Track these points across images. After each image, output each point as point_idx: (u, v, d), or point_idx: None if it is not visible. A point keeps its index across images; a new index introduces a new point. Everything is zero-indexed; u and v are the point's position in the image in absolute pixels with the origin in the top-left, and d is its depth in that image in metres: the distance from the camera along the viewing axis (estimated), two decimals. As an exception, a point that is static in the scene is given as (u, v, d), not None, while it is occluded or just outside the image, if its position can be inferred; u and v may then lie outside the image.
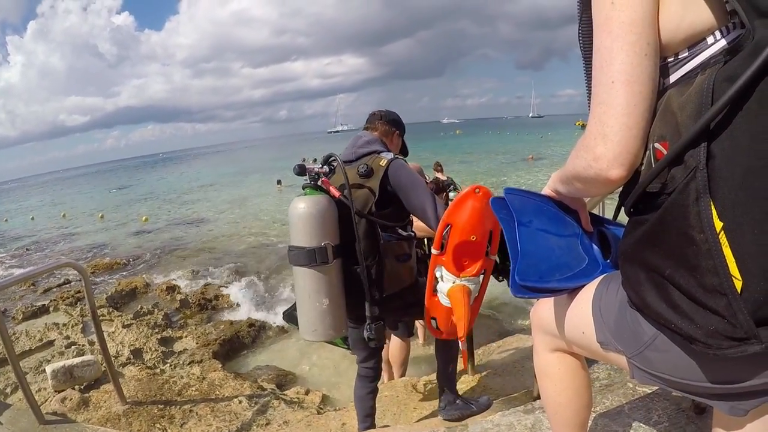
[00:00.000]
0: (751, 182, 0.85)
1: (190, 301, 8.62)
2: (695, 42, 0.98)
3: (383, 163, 2.57)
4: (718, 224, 0.87)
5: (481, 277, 2.51)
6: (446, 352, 3.12)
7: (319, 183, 2.50)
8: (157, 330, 6.88)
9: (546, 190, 1.41)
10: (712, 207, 0.88)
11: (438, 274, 2.46)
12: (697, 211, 0.89)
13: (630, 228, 1.10)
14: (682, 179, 0.92)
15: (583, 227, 1.45)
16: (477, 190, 2.27)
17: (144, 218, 23.27)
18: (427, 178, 11.81)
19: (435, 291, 2.50)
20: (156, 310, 7.84)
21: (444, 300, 2.47)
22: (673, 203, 0.94)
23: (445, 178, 13.12)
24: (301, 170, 2.45)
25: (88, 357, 4.91)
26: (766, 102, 0.84)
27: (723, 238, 0.87)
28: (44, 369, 4.98)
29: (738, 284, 0.86)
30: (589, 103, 1.09)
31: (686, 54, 1.00)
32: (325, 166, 2.56)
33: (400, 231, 2.75)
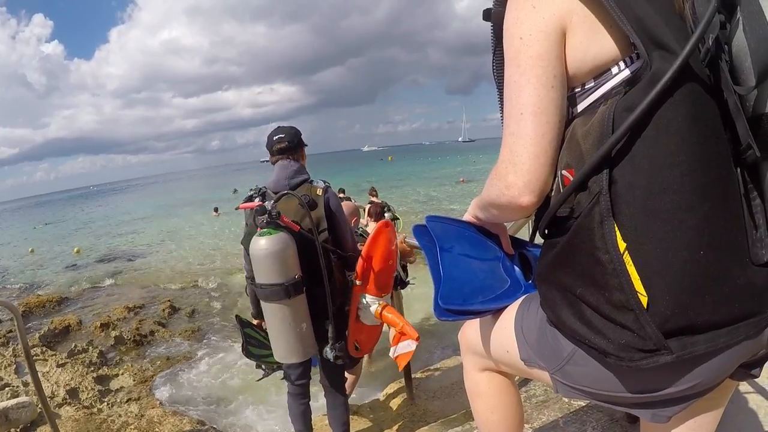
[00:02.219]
0: (651, 204, 0.92)
1: (125, 337, 8.55)
2: (600, 72, 1.04)
3: (320, 192, 2.86)
4: (622, 245, 0.94)
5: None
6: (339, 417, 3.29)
7: (278, 221, 2.66)
8: (92, 368, 6.87)
9: (467, 216, 1.46)
10: (616, 229, 0.94)
11: (363, 301, 2.84)
12: (602, 234, 0.95)
13: (544, 250, 1.16)
14: (587, 204, 0.98)
15: (505, 250, 1.50)
16: (387, 225, 2.80)
17: (76, 250, 22.63)
18: (362, 207, 12.04)
19: (359, 316, 2.85)
20: (91, 347, 7.76)
21: (371, 321, 2.85)
22: (579, 226, 1.00)
23: (379, 202, 13.33)
24: (261, 210, 2.62)
25: (22, 398, 4.92)
26: (662, 129, 0.91)
27: (627, 258, 0.93)
28: (-23, 413, 4.96)
29: (644, 300, 0.93)
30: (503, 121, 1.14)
31: (592, 84, 1.06)
32: (273, 203, 2.69)
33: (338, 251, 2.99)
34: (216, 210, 28.16)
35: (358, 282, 2.87)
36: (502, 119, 1.15)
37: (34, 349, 7.50)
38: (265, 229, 2.59)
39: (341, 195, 14.78)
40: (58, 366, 6.78)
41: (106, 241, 25.97)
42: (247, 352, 3.22)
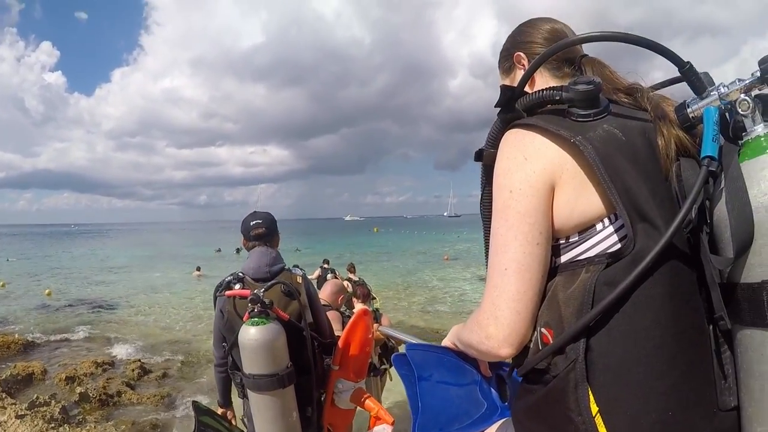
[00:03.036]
0: (624, 373, 0.98)
1: (91, 395, 8.12)
2: (585, 228, 1.10)
3: (300, 280, 2.95)
4: (594, 408, 0.99)
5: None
6: None
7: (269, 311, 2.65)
8: (53, 424, 6.46)
9: (446, 342, 1.48)
10: (590, 393, 0.99)
11: (339, 386, 2.91)
12: (576, 398, 1.00)
13: (521, 393, 1.20)
14: (563, 367, 1.03)
15: (482, 373, 1.53)
16: (365, 313, 2.92)
17: (47, 291, 22.09)
18: (343, 281, 12.08)
19: (333, 401, 2.91)
20: (53, 401, 7.34)
21: (346, 405, 2.92)
22: (555, 387, 1.05)
23: (356, 279, 13.47)
24: (256, 299, 2.60)
25: (-23, 450, 4.62)
26: (640, 306, 0.98)
27: (599, 420, 0.98)
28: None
29: None
30: (486, 259, 1.21)
31: (577, 238, 1.11)
32: (263, 291, 2.72)
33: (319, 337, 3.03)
34: (198, 269, 27.57)
35: (335, 367, 2.93)
36: (485, 247, 1.24)
37: (-6, 393, 7.13)
38: (255, 318, 2.59)
39: (325, 266, 14.94)
40: (17, 417, 6.39)
41: (81, 287, 25.42)
42: None
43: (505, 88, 1.22)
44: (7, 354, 11.19)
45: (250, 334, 2.55)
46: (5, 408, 6.74)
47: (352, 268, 13.93)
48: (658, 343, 0.97)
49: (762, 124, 0.94)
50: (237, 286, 2.86)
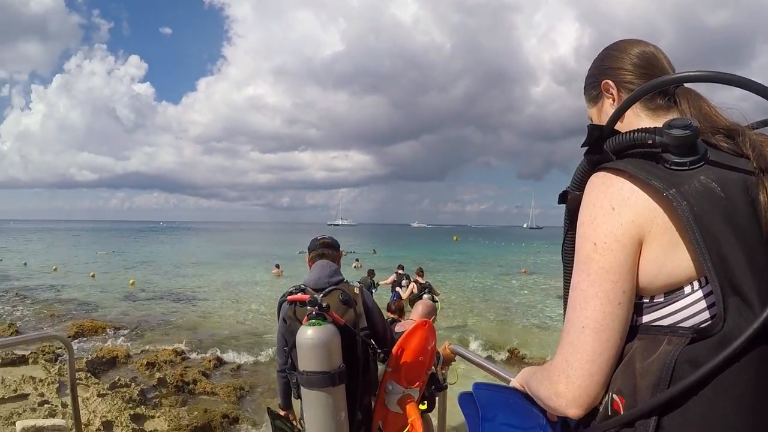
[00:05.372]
0: None
1: (168, 381, 8.41)
2: (673, 289, 1.01)
3: (357, 291, 3.10)
4: None
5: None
6: None
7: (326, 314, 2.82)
8: (131, 405, 6.72)
9: (515, 383, 1.42)
10: None
11: (389, 387, 2.99)
12: None
13: None
14: None
15: (548, 418, 1.45)
16: (425, 324, 3.02)
17: (131, 282, 23.25)
18: (412, 283, 12.13)
19: (384, 400, 2.99)
20: (133, 384, 7.68)
21: (394, 408, 2.97)
22: None
23: (423, 282, 13.56)
24: (314, 301, 2.81)
25: (58, 421, 4.84)
26: (721, 392, 0.90)
27: None
28: (14, 422, 4.91)
29: None
30: (564, 306, 1.15)
31: (662, 299, 1.02)
32: (322, 296, 2.92)
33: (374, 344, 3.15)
34: (278, 266, 27.84)
35: (389, 369, 3.06)
36: (565, 298, 1.17)
37: (79, 372, 7.45)
38: (313, 320, 2.75)
39: (400, 271, 15.18)
40: (99, 395, 6.69)
41: (165, 279, 26.50)
42: None
43: (592, 128, 1.12)
44: (94, 337, 11.79)
45: (307, 333, 2.71)
46: (89, 386, 7.08)
47: (420, 272, 14.32)
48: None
49: None
50: (299, 295, 3.04)
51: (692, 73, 1.02)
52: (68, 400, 4.88)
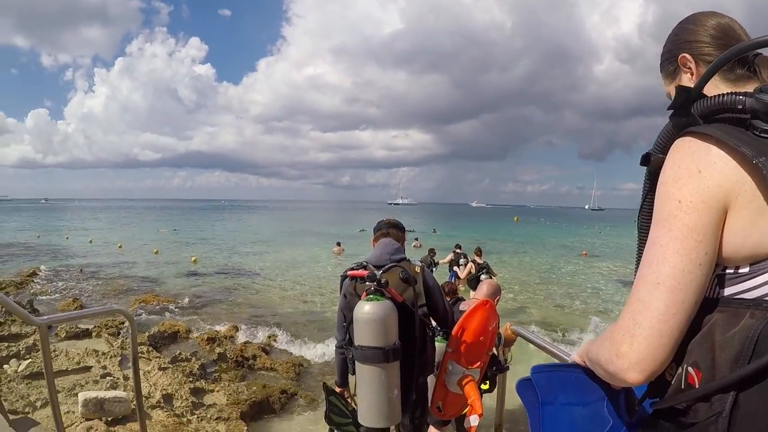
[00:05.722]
0: None
1: (229, 356, 8.48)
2: (758, 260, 0.95)
3: (418, 270, 3.12)
4: None
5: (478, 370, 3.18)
6: None
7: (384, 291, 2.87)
8: (191, 379, 6.77)
9: (576, 357, 1.36)
10: None
11: (450, 367, 3.00)
12: None
13: (650, 423, 1.11)
14: (704, 416, 0.93)
15: (610, 390, 1.40)
16: (486, 304, 2.99)
17: (193, 259, 23.84)
18: (470, 263, 12.26)
19: (444, 381, 2.99)
20: (194, 358, 7.74)
21: (453, 388, 2.98)
22: None
23: (481, 262, 13.59)
24: (372, 277, 2.86)
25: (120, 393, 4.88)
26: None
27: None
28: (77, 393, 4.98)
29: None
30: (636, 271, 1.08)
31: (747, 270, 0.97)
32: (381, 272, 3.01)
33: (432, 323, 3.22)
34: (338, 244, 27.99)
35: (449, 349, 3.06)
36: (637, 262, 1.11)
37: (141, 346, 7.60)
38: (371, 295, 2.80)
39: (458, 251, 15.14)
40: (160, 369, 6.75)
41: (227, 257, 27.05)
42: (329, 420, 3.30)
43: (681, 90, 1.10)
44: (156, 312, 12.07)
45: (365, 308, 2.75)
46: (150, 360, 7.17)
47: (478, 252, 14.45)
48: None
49: None
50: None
51: None
52: (130, 372, 4.91)
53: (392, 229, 3.43)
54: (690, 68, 1.23)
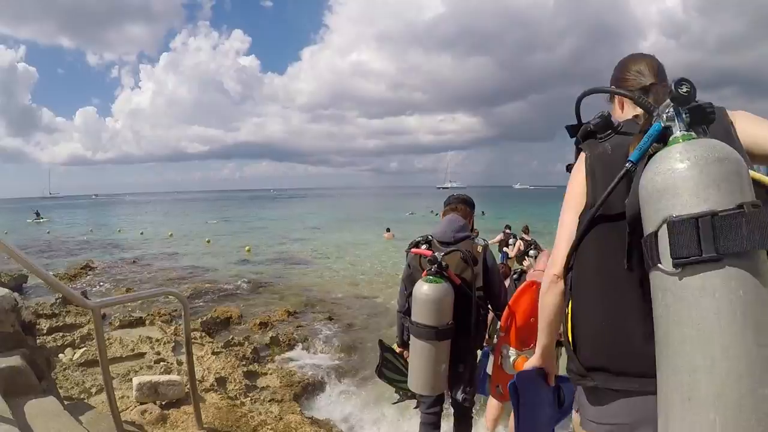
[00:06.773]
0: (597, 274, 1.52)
1: (281, 339, 8.51)
2: None
3: (480, 250, 3.17)
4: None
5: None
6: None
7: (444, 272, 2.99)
8: (244, 362, 6.82)
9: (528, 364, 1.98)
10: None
11: (504, 351, 3.03)
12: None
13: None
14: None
15: (548, 383, 1.96)
16: (532, 285, 2.99)
17: (247, 248, 24.05)
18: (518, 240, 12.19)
19: (501, 364, 3.03)
20: (246, 342, 7.79)
21: (509, 370, 2.98)
22: None
23: (529, 239, 13.44)
24: (434, 259, 2.99)
25: (174, 377, 4.91)
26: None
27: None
28: (131, 378, 5.04)
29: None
30: None
31: None
32: (443, 255, 3.07)
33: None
34: (388, 230, 28.08)
35: (501, 333, 3.09)
36: None
37: (194, 332, 7.71)
38: (431, 276, 2.95)
39: (507, 231, 14.96)
40: (213, 353, 6.81)
41: (277, 244, 27.27)
42: (380, 373, 3.47)
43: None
44: (209, 298, 12.22)
45: (423, 289, 2.92)
46: (203, 345, 7.26)
47: (526, 230, 14.48)
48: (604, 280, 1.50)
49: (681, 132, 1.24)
50: (423, 247, 3.24)
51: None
52: (183, 358, 4.95)
53: (460, 204, 3.46)
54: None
